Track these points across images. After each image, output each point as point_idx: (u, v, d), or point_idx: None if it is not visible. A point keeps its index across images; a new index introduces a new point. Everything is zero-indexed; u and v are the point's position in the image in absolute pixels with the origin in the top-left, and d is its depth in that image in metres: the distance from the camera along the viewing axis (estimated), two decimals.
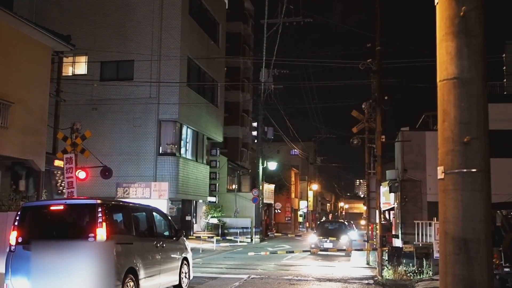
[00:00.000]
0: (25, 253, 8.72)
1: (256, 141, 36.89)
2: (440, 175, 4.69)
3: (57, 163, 17.93)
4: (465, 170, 4.55)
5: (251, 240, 31.58)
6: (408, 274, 14.76)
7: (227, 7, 36.66)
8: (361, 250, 16.69)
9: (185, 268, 11.69)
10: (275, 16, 28.58)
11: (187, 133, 27.81)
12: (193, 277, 12.45)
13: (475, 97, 4.64)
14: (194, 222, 31.13)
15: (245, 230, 33.78)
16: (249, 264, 17.59)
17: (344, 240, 24.33)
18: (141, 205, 11.20)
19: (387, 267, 15.45)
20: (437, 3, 4.85)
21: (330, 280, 14.29)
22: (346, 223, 34.33)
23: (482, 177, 4.59)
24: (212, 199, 34.32)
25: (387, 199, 30.35)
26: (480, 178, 4.58)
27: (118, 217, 9.48)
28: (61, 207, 9.12)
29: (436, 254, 13.15)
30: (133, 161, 25.53)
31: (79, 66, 26.96)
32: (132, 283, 8.97)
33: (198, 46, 28.40)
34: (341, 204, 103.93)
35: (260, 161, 33.94)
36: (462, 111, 4.60)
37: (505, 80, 34.90)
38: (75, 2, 26.83)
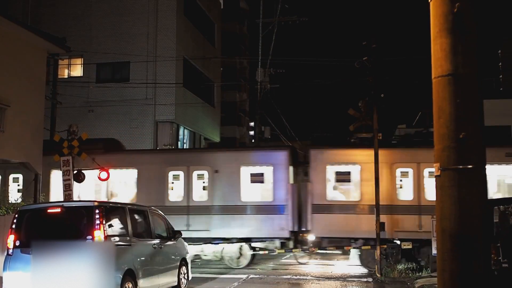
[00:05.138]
0: (23, 256, 8.72)
1: (253, 140, 36.84)
2: (437, 172, 4.69)
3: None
4: (461, 166, 4.56)
5: None
6: (407, 272, 14.78)
7: (222, 7, 36.52)
8: (360, 248, 16.70)
9: (183, 269, 11.70)
10: (273, 15, 28.66)
11: (184, 133, 27.80)
12: (192, 277, 12.45)
13: (470, 94, 4.65)
14: None
15: None
16: (248, 264, 17.57)
17: None
18: (138, 206, 11.19)
19: (386, 265, 15.45)
20: (431, 0, 4.86)
21: (329, 278, 14.30)
22: None
23: (478, 173, 4.60)
24: None
25: None
26: (476, 174, 4.58)
27: (116, 218, 9.47)
28: (58, 210, 9.10)
29: (434, 251, 13.16)
30: None
31: (75, 68, 26.90)
32: (130, 285, 8.96)
33: (193, 47, 28.38)
34: None
35: None
36: (457, 107, 4.60)
37: (501, 76, 34.97)
38: (69, 4, 26.76)
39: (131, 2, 26.31)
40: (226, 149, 19.74)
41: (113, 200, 16.72)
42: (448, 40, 4.68)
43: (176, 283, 11.19)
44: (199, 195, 16.67)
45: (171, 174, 16.78)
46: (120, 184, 17.89)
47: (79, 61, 26.53)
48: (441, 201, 4.73)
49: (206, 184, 16.54)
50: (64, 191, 15.26)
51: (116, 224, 9.41)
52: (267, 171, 16.31)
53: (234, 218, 16.11)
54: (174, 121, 25.92)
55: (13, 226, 9.02)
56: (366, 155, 15.60)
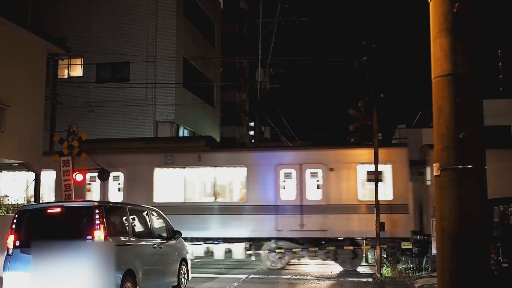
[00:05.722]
0: (23, 257, 8.71)
1: (253, 141, 36.80)
2: (436, 172, 4.69)
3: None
4: (460, 166, 4.56)
5: None
6: (407, 271, 14.77)
7: (222, 7, 36.50)
8: (360, 248, 16.72)
9: (183, 269, 11.70)
10: (273, 15, 28.71)
11: (183, 133, 27.79)
12: (192, 277, 12.45)
13: (470, 93, 4.65)
14: None
15: None
16: (248, 264, 17.59)
17: None
18: (138, 206, 11.18)
19: (386, 265, 15.45)
20: (430, 0, 4.86)
21: (329, 278, 14.30)
22: None
23: (478, 173, 4.60)
24: None
25: None
26: (476, 174, 4.58)
27: (116, 218, 9.47)
28: (58, 210, 9.09)
29: (434, 251, 13.16)
30: None
31: (75, 69, 26.91)
32: (130, 285, 8.96)
33: (193, 47, 28.39)
34: None
35: None
36: (457, 107, 4.60)
37: (501, 76, 34.96)
38: (69, 4, 26.78)
39: (131, 2, 26.33)
40: (342, 146, 19.53)
41: (219, 199, 16.65)
42: (448, 40, 4.69)
43: (176, 283, 11.18)
44: (313, 193, 16.17)
45: (282, 172, 16.34)
46: (227, 183, 17.47)
47: (79, 61, 26.55)
48: (441, 201, 4.74)
49: (320, 183, 16.05)
50: (64, 191, 15.27)
51: (116, 224, 9.41)
52: (386, 169, 15.78)
53: (351, 218, 15.69)
54: (174, 121, 25.93)
55: (13, 226, 9.01)
56: (493, 153, 15.30)
